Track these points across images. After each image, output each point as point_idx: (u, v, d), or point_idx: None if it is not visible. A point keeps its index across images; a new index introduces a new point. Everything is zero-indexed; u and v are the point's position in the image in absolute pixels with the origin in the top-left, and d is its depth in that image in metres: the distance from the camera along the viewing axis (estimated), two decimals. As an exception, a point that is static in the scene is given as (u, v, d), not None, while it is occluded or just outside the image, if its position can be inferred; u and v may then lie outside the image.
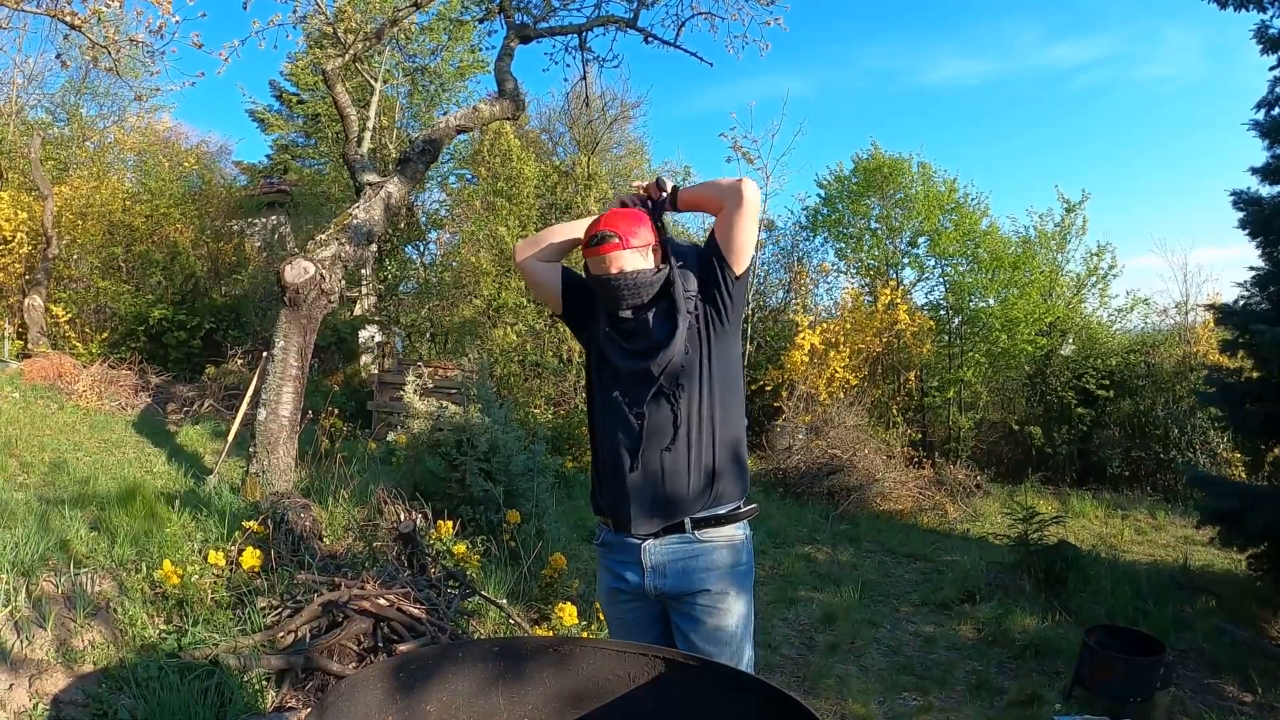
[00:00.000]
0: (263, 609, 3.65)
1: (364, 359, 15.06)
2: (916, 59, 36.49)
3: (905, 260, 15.45)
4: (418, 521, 4.60)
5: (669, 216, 2.32)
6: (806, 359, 12.29)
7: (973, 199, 15.06)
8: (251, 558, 3.79)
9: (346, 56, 8.04)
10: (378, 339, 15.38)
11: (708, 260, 2.09)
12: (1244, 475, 8.10)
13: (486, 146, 13.67)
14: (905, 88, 35.49)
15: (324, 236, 6.90)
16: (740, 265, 2.07)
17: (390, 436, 8.71)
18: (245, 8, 7.34)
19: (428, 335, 14.88)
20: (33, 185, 12.14)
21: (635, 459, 2.03)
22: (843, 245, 16.12)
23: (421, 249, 16.83)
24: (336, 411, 8.99)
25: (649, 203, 2.22)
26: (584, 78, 9.79)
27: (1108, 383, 13.90)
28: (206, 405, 10.47)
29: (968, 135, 33.20)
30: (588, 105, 11.78)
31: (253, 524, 4.34)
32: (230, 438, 7.66)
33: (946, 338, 14.77)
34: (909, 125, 34.79)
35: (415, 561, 4.33)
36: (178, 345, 12.54)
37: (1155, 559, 8.03)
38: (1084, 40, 35.24)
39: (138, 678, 2.95)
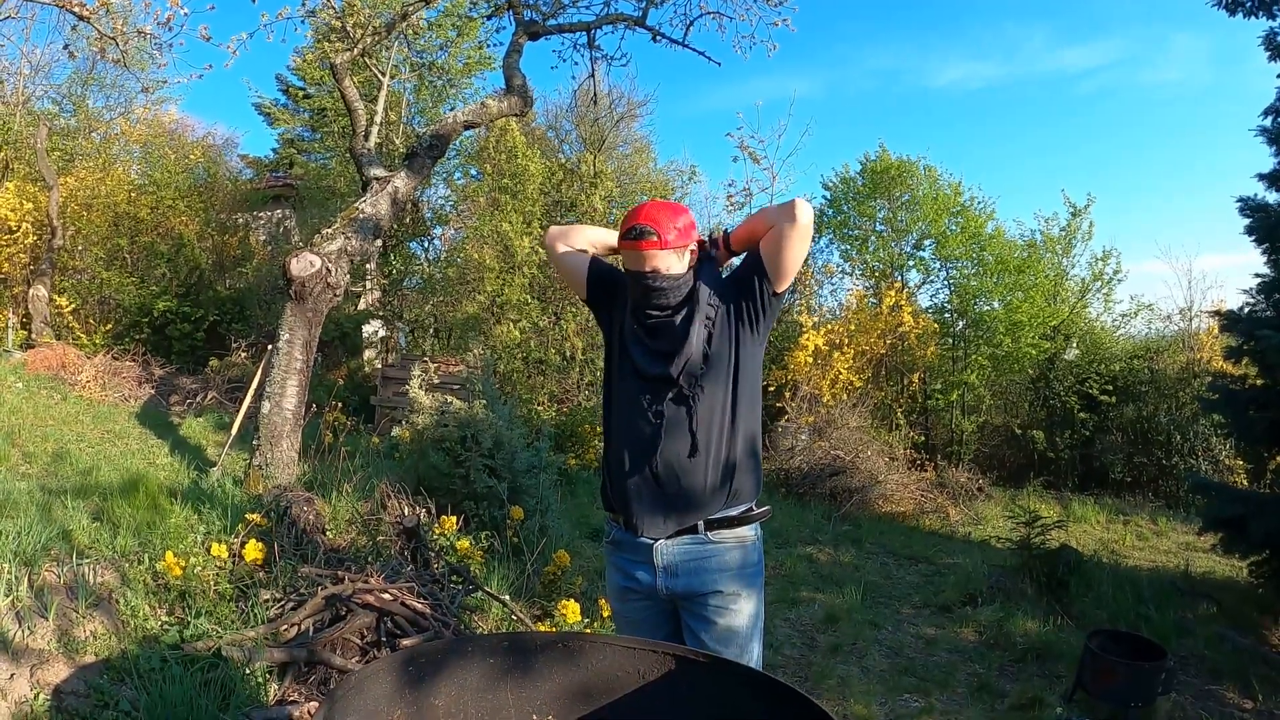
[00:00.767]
0: (265, 602, 3.65)
1: (367, 353, 15.07)
2: (923, 61, 36.51)
3: (910, 262, 15.44)
4: (421, 516, 4.60)
5: None
6: (810, 360, 12.27)
7: (979, 202, 15.06)
8: (254, 550, 3.78)
9: (355, 50, 8.03)
10: (381, 334, 15.39)
11: (748, 272, 2.07)
12: (1246, 482, 8.10)
13: (492, 143, 13.66)
14: (912, 89, 35.51)
15: (330, 230, 6.89)
16: (783, 284, 2.06)
17: (395, 431, 8.70)
18: (254, 1, 7.35)
19: (431, 330, 14.90)
20: (39, 175, 12.15)
21: (651, 457, 2.02)
22: (848, 247, 16.11)
23: (426, 244, 16.85)
24: (340, 406, 8.98)
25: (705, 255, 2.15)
26: (592, 75, 9.79)
27: (1111, 388, 13.88)
28: (210, 397, 10.48)
29: (974, 138, 33.22)
30: (596, 103, 11.76)
31: (256, 517, 4.33)
32: (234, 430, 7.67)
33: (950, 340, 14.74)
34: (915, 127, 34.84)
35: (419, 556, 4.33)
36: (181, 337, 12.55)
37: (1157, 565, 8.01)
38: (1091, 44, 35.19)
39: (140, 669, 2.94)
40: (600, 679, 1.51)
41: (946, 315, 14.99)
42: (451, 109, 13.27)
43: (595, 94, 10.45)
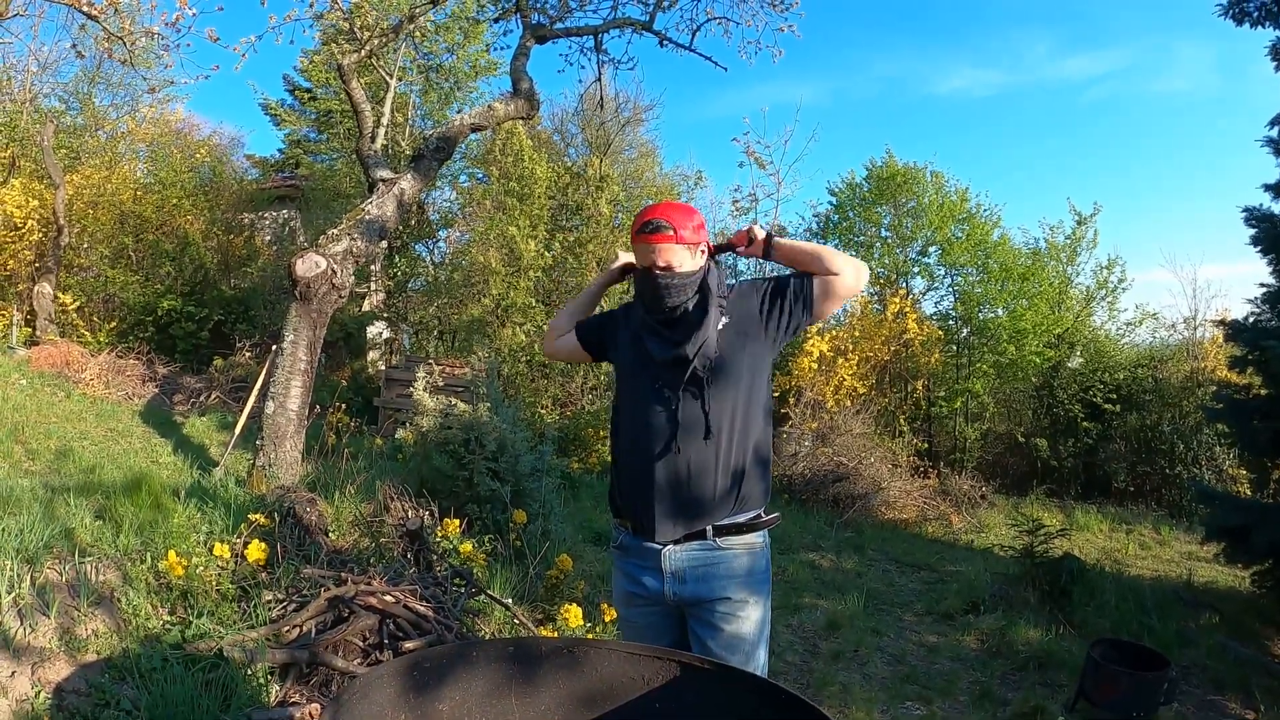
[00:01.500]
0: (268, 603, 3.64)
1: (371, 355, 15.08)
2: (929, 68, 36.58)
3: (915, 269, 15.40)
4: (424, 519, 4.59)
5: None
6: (814, 366, 12.26)
7: (985, 209, 15.02)
8: (257, 551, 3.78)
9: (363, 52, 8.05)
10: (385, 335, 15.40)
11: (794, 297, 2.09)
12: (1249, 492, 8.07)
13: (498, 146, 13.66)
14: (917, 97, 35.61)
15: (336, 231, 6.90)
16: (820, 320, 2.20)
17: (398, 433, 8.70)
18: (263, 3, 7.37)
19: (435, 333, 14.89)
20: (45, 173, 12.16)
21: (663, 455, 2.01)
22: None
23: (431, 247, 16.86)
24: (343, 407, 8.98)
25: (733, 250, 2.22)
26: (599, 79, 9.81)
27: (1115, 396, 13.86)
28: (214, 397, 10.48)
29: (979, 145, 33.24)
30: (602, 107, 11.79)
31: (259, 517, 4.33)
32: (237, 430, 7.67)
33: (955, 348, 14.71)
34: (920, 134, 34.86)
35: (421, 559, 4.32)
36: (186, 336, 12.55)
37: (1159, 574, 8.00)
38: (1096, 53, 35.25)
39: (141, 668, 2.94)
40: (605, 685, 1.51)
41: (951, 322, 14.95)
42: (458, 112, 13.25)
43: (601, 98, 10.49)
